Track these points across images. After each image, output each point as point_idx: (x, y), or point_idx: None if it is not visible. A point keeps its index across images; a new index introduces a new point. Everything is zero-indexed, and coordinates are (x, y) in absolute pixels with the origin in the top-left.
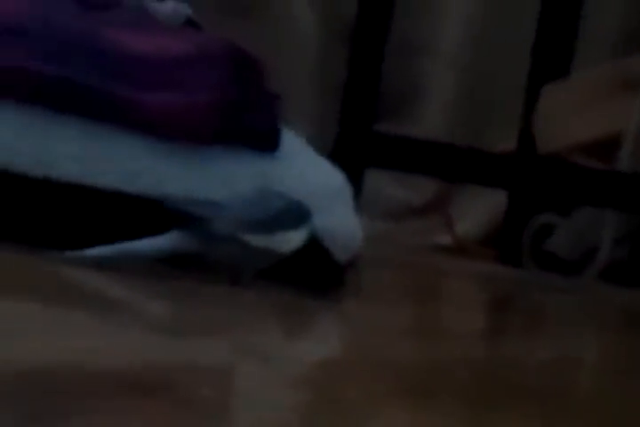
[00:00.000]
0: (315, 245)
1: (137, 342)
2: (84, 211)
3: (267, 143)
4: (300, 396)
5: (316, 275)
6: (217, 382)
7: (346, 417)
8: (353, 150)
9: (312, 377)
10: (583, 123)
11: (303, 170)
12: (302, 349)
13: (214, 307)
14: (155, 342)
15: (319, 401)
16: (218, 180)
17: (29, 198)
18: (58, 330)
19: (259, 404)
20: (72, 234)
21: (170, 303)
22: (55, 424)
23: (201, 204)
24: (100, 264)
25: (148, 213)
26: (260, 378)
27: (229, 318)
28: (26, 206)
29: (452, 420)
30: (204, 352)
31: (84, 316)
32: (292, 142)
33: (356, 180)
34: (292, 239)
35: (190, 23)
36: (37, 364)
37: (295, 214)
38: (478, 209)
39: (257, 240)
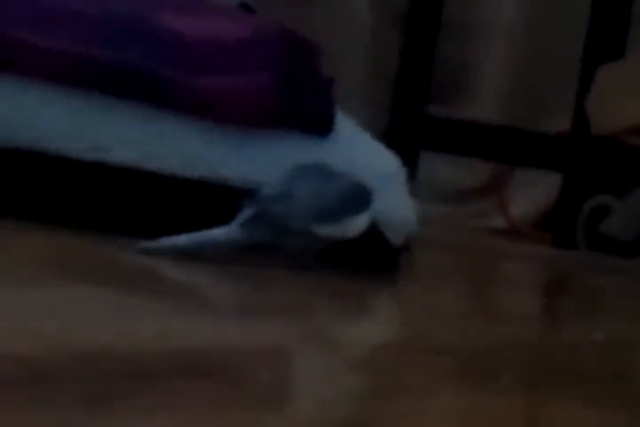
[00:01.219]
0: (370, 228)
1: (196, 325)
2: (141, 195)
3: (321, 127)
4: (358, 379)
5: (371, 258)
6: (276, 366)
7: (403, 400)
8: (407, 133)
9: (370, 360)
10: (638, 104)
11: (358, 153)
12: (359, 332)
13: (272, 291)
14: (214, 325)
15: (377, 384)
16: (272, 163)
17: (86, 183)
18: (119, 314)
19: (317, 387)
20: (131, 219)
21: (228, 287)
22: (111, 405)
23: (274, 197)
24: (176, 254)
25: (207, 197)
26: (319, 361)
27: (287, 301)
28: (82, 191)
29: (509, 403)
30: (262, 336)
31: (144, 300)
32: (347, 126)
33: (410, 163)
34: (357, 224)
35: (245, 7)
36: (96, 347)
37: (360, 197)
38: (533, 192)
39: (326, 230)
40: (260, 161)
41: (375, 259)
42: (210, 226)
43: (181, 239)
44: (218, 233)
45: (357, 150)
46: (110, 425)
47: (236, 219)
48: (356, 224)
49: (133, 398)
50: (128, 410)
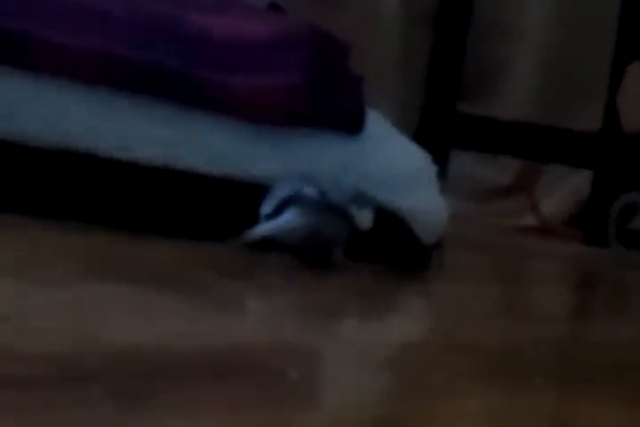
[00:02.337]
0: (400, 226)
1: (225, 324)
2: (169, 194)
3: (352, 125)
4: (388, 378)
5: (401, 256)
6: (303, 364)
7: (433, 399)
8: (437, 131)
9: (399, 360)
10: None
11: (388, 151)
12: (389, 331)
13: (299, 290)
14: (243, 324)
15: (407, 383)
16: (303, 162)
17: (114, 182)
18: (148, 313)
19: (344, 385)
20: (159, 217)
21: (257, 287)
22: (140, 404)
23: (301, 180)
24: (256, 244)
25: (236, 195)
26: (346, 360)
27: (315, 300)
28: (110, 190)
29: (539, 401)
30: (292, 335)
31: (172, 299)
32: (377, 124)
33: (440, 160)
34: (369, 217)
35: (275, 7)
36: (126, 346)
37: (361, 197)
38: (563, 189)
39: (356, 212)
40: (291, 159)
41: (406, 258)
42: (240, 224)
43: (264, 229)
44: (288, 220)
45: (388, 148)
46: (139, 423)
47: (267, 200)
48: (368, 217)
49: (162, 396)
50: (157, 408)
